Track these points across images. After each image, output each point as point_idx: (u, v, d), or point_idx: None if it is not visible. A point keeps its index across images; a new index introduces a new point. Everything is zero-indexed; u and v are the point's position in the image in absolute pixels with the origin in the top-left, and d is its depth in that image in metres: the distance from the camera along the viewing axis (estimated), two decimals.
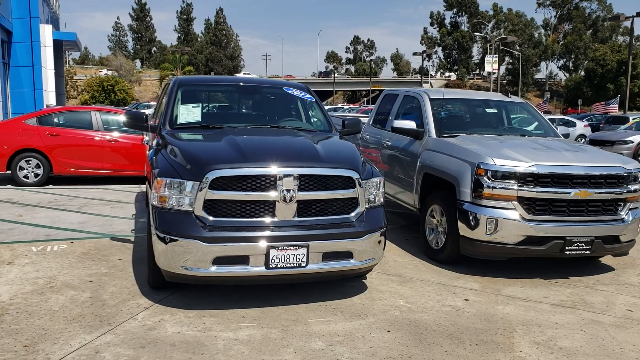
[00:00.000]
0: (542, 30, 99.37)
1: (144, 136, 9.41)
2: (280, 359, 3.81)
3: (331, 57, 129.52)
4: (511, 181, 5.54)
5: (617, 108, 37.05)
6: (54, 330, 4.12)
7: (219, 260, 4.36)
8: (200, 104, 6.14)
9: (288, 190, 4.45)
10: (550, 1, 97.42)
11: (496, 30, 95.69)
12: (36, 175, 10.91)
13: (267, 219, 4.48)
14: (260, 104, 6.71)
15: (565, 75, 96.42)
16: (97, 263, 5.84)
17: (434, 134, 6.82)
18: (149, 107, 40.42)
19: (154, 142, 5.68)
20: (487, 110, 7.78)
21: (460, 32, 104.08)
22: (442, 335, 4.28)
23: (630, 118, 25.60)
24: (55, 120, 11.32)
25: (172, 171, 4.57)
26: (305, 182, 4.54)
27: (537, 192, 5.53)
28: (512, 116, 7.90)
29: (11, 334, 4.05)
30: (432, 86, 78.47)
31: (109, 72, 69.68)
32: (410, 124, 7.01)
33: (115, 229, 7.42)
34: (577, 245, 5.57)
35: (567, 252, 5.58)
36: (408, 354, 3.95)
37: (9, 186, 10.74)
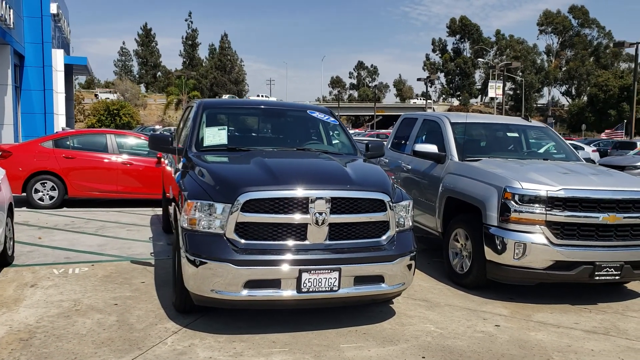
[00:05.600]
0: (545, 57, 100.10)
1: (163, 159, 9.42)
2: None
3: (335, 82, 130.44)
4: (538, 205, 5.50)
5: (623, 134, 37.20)
6: (85, 355, 4.05)
7: (250, 284, 4.30)
8: (226, 127, 6.13)
9: (320, 213, 4.42)
10: (552, 28, 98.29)
11: (499, 57, 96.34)
12: (51, 197, 10.88)
13: (299, 242, 4.43)
14: (285, 127, 6.72)
15: (567, 101, 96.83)
16: (120, 286, 5.78)
17: (456, 158, 6.80)
18: (154, 130, 40.73)
19: (180, 165, 5.65)
20: (508, 134, 7.78)
21: (462, 58, 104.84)
22: None
23: (638, 144, 25.63)
24: (71, 143, 11.34)
25: (202, 193, 4.55)
26: (337, 205, 4.50)
27: (565, 216, 5.48)
28: (531, 140, 7.88)
29: (41, 357, 3.99)
30: (434, 111, 78.65)
31: (113, 96, 70.41)
32: (432, 148, 7.01)
33: (134, 252, 7.37)
34: (607, 271, 5.50)
35: (597, 278, 5.51)
36: None
37: (24, 208, 10.70)
